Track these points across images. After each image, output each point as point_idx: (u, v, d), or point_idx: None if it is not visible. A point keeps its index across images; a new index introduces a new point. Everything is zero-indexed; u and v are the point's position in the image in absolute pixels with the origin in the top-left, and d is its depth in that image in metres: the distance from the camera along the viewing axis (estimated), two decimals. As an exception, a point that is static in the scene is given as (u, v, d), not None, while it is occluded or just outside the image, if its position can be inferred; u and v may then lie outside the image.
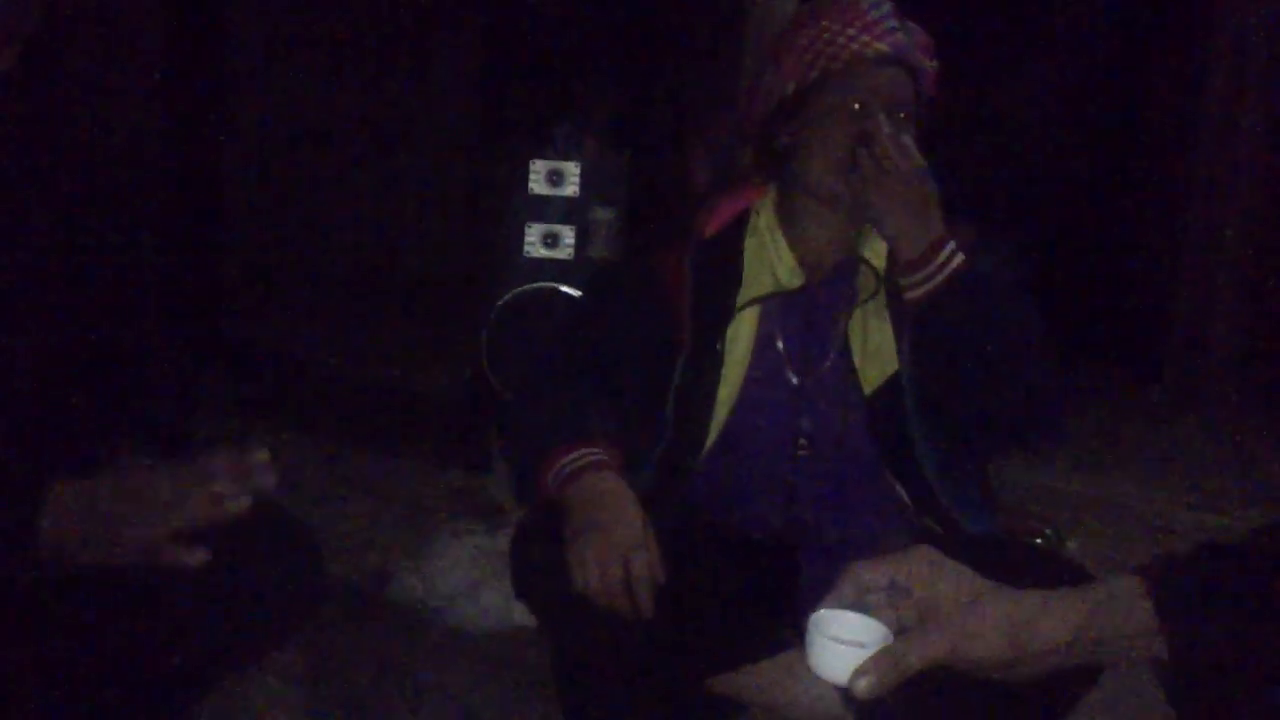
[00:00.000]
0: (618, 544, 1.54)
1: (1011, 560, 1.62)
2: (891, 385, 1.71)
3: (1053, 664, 1.07)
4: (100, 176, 1.51)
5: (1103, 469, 3.77)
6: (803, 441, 1.73)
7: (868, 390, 1.72)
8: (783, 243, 1.74)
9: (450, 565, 2.17)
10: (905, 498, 1.73)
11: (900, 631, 1.09)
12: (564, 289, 2.93)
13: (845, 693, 1.06)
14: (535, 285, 2.94)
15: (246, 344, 3.87)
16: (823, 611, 1.12)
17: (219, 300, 3.88)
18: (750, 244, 1.76)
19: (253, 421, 3.17)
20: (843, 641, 1.09)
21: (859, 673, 1.04)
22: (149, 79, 3.60)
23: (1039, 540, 2.65)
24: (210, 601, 1.39)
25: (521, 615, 1.98)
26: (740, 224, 1.78)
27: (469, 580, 2.15)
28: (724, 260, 1.75)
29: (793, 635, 1.75)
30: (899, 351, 1.69)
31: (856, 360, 1.72)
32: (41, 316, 1.42)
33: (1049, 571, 1.40)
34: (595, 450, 1.63)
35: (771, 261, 1.74)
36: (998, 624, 1.06)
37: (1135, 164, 5.36)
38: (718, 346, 1.73)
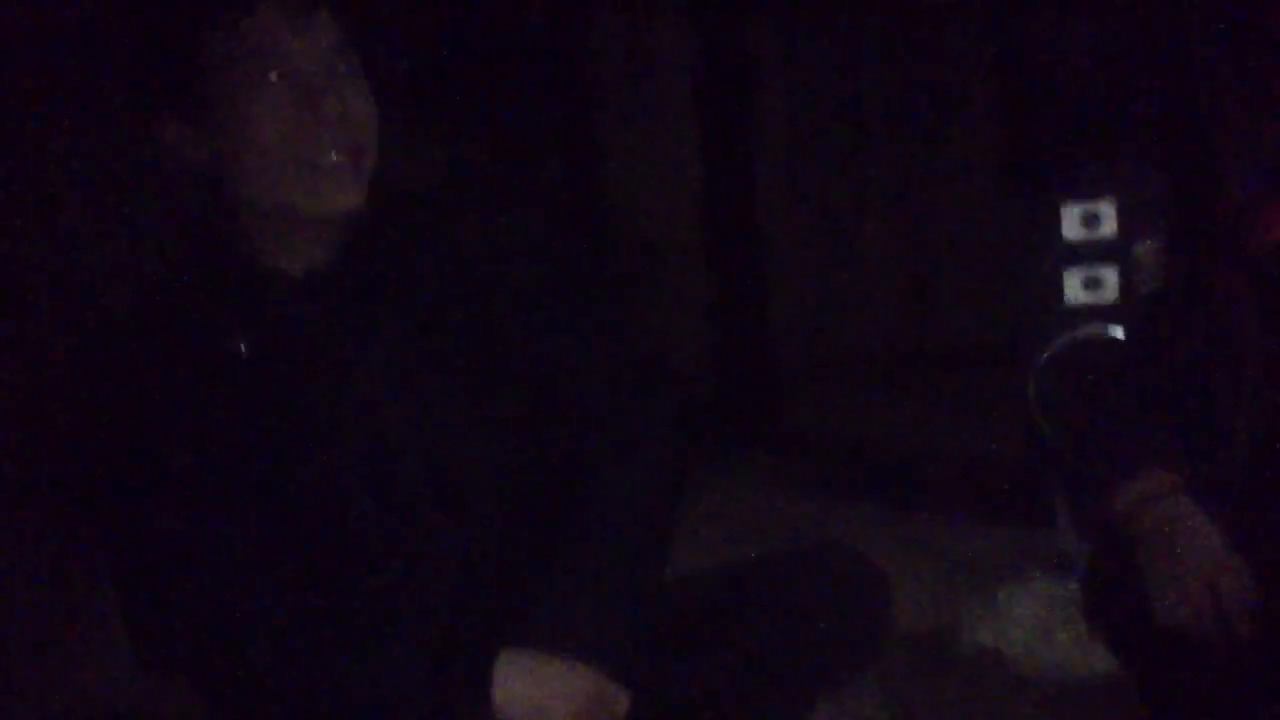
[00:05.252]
0: (1201, 567, 1.48)
1: None
2: None
3: None
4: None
5: None
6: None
7: None
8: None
9: (1020, 614, 2.16)
10: None
11: None
12: (1113, 331, 2.82)
13: None
14: (1084, 331, 2.86)
15: (796, 426, 4.05)
16: None
17: (773, 391, 4.07)
18: None
19: (804, 497, 3.32)
20: None
21: None
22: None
23: None
24: (780, 632, 1.46)
25: (1099, 660, 1.93)
26: None
27: (1040, 628, 2.13)
28: None
29: None
30: None
31: None
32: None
33: None
34: (1162, 475, 1.57)
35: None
36: None
37: None
38: None
